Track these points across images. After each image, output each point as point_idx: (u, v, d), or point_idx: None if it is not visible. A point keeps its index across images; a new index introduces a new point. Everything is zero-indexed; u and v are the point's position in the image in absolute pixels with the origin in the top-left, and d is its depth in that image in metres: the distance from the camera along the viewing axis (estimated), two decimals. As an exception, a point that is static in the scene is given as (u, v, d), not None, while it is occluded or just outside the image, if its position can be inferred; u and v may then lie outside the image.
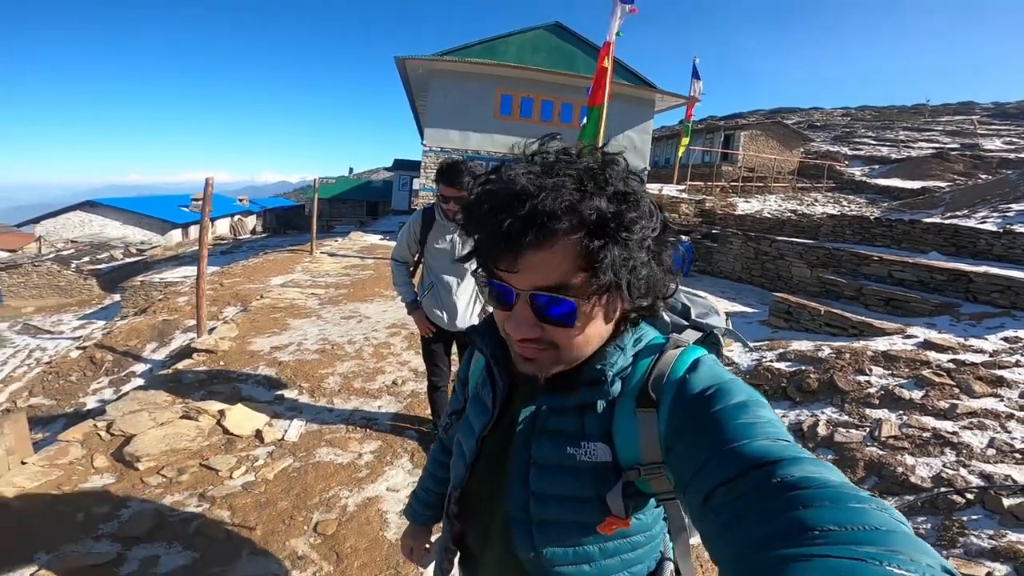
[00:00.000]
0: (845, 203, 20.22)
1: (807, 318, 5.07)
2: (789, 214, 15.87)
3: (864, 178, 24.34)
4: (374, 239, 13.32)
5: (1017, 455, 2.78)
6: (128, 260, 19.84)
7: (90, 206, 23.85)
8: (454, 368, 3.02)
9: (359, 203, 33.10)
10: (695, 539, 0.70)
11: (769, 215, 15.33)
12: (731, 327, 0.83)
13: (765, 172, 24.20)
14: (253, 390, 3.67)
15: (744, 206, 18.42)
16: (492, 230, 0.57)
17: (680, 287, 0.75)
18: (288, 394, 3.66)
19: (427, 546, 1.10)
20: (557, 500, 0.66)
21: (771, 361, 4.17)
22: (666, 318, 0.78)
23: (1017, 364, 3.61)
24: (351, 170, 45.66)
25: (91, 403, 4.71)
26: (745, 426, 0.51)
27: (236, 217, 30.23)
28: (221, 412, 3.20)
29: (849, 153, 30.55)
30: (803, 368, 3.87)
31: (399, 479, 2.77)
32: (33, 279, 17.39)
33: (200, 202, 21.03)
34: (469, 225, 0.62)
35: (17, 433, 2.73)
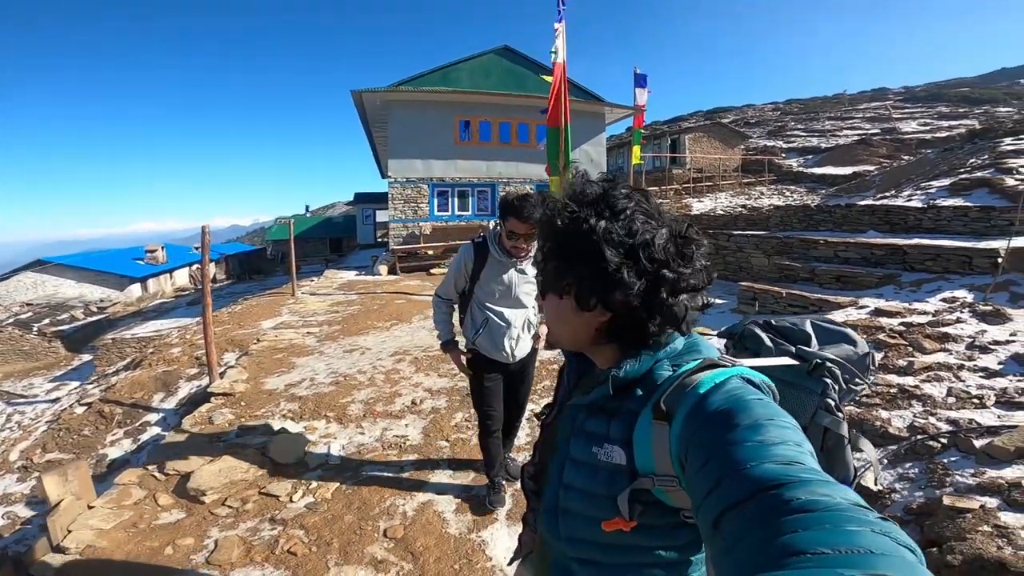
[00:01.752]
0: (788, 193, 21.59)
1: (771, 302, 5.65)
2: (740, 209, 16.91)
3: (801, 168, 26.00)
4: (350, 275, 13.41)
5: (975, 400, 3.25)
6: (90, 319, 19.14)
7: (40, 265, 22.84)
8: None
9: (321, 241, 32.79)
10: None
11: (722, 212, 16.30)
12: (849, 362, 0.80)
13: (712, 171, 25.55)
14: (283, 423, 3.88)
15: (698, 206, 19.46)
16: None
17: (814, 320, 0.87)
18: (317, 423, 3.89)
19: None
20: (579, 493, 0.72)
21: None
22: (767, 342, 0.84)
23: (958, 321, 4.22)
24: (307, 207, 45.12)
25: (112, 454, 4.76)
26: (756, 448, 0.51)
27: (195, 266, 29.48)
28: (263, 445, 3.41)
29: (784, 146, 32.51)
30: (778, 345, 4.38)
31: (444, 483, 3.06)
32: (-5, 344, 16.60)
33: (154, 254, 20.59)
34: None
35: (81, 479, 2.90)
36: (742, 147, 30.20)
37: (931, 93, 45.08)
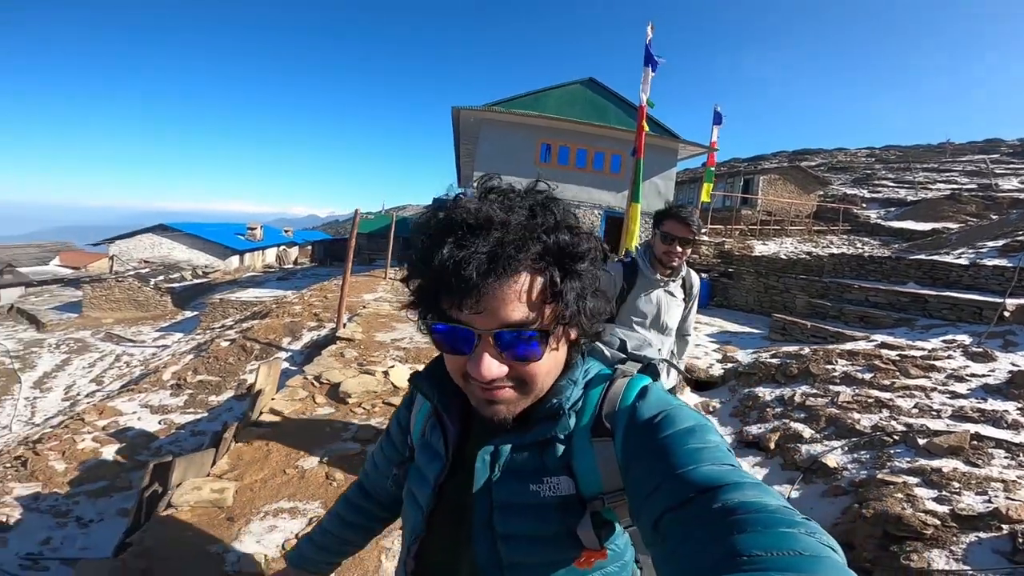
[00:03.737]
0: (859, 245, 21.24)
1: (798, 332, 6.49)
2: (804, 256, 17.12)
3: (879, 220, 25.36)
4: (428, 269, 15.14)
5: (932, 412, 4.09)
6: (196, 281, 22.03)
7: (162, 229, 26.37)
8: None
9: (396, 239, 35.25)
10: None
11: (784, 256, 16.62)
12: (666, 358, 0.84)
13: (782, 216, 25.46)
14: (394, 363, 5.22)
15: (761, 248, 19.66)
16: (453, 268, 0.54)
17: (616, 328, 0.83)
18: (419, 367, 5.19)
19: None
20: (527, 541, 0.65)
21: (766, 358, 5.58)
22: (607, 352, 0.78)
23: (948, 357, 4.96)
24: (384, 206, 48.43)
25: (250, 379, 6.30)
26: (693, 451, 0.53)
27: (282, 247, 32.66)
28: (386, 372, 4.75)
29: (867, 196, 31.53)
30: (787, 361, 5.27)
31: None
32: (115, 293, 19.59)
33: (254, 231, 23.62)
34: (419, 265, 0.59)
35: (275, 374, 4.32)
36: (820, 193, 29.74)
37: (1050, 148, 41.70)
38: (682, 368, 2.61)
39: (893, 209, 28.38)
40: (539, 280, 0.57)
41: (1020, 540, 2.59)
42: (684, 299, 2.47)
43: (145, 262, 25.60)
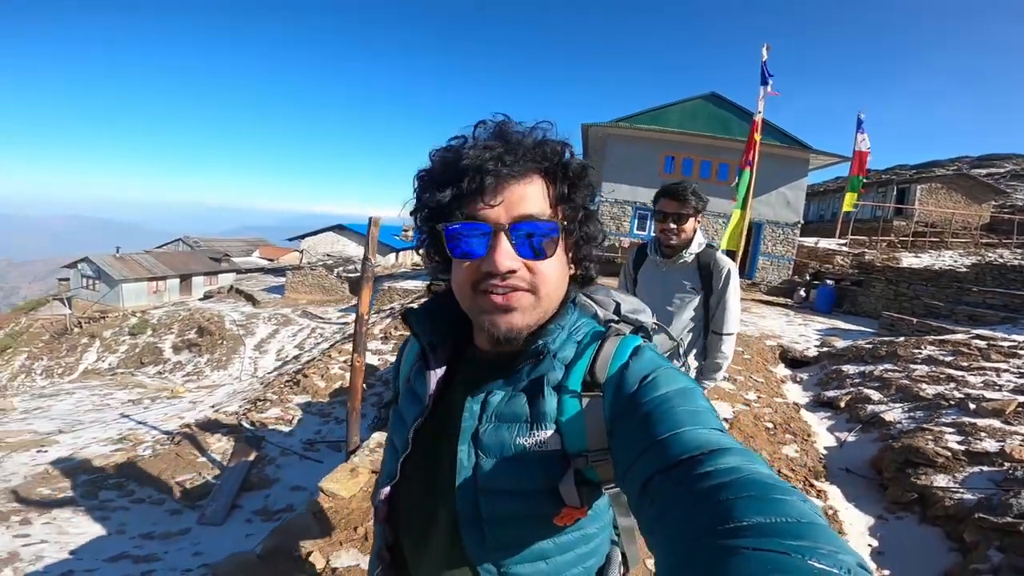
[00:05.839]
0: (1037, 261, 18.77)
1: (904, 328, 7.07)
2: (963, 269, 15.85)
3: (1067, 234, 21.89)
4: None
5: (997, 387, 4.73)
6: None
7: (339, 228, 31.77)
8: None
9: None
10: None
11: (937, 268, 15.55)
12: (658, 323, 0.85)
13: (944, 227, 23.10)
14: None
15: (912, 260, 18.25)
16: (476, 166, 0.60)
17: (612, 290, 0.83)
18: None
19: None
20: (508, 494, 0.64)
21: (861, 344, 6.39)
22: (600, 314, 0.78)
23: (1038, 349, 5.41)
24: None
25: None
26: (685, 414, 0.54)
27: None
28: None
29: (1058, 206, 27.06)
30: (879, 346, 6.06)
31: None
32: (308, 279, 24.56)
33: (407, 232, 28.08)
34: (439, 176, 0.64)
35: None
36: (995, 203, 26.26)
37: None
38: (717, 377, 2.28)
39: (1094, 222, 24.06)
40: (550, 186, 0.65)
41: (1011, 472, 3.32)
42: (702, 288, 2.22)
43: (327, 255, 30.98)
